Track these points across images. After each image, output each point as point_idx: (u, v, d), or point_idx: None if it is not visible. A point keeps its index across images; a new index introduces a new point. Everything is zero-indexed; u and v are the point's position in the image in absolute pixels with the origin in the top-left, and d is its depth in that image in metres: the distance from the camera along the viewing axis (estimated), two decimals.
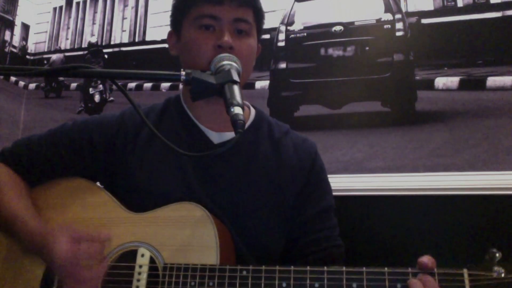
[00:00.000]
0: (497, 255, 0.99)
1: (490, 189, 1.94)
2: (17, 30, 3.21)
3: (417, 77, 2.23)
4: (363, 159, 2.20)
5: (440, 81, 2.21)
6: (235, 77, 1.04)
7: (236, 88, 1.00)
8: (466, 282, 0.98)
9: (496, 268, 0.97)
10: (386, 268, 1.02)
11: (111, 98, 2.93)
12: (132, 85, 2.90)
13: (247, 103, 1.40)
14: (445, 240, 1.93)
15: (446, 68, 2.21)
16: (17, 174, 1.33)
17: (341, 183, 2.14)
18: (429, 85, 2.21)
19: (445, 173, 2.04)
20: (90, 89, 2.98)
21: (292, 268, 1.07)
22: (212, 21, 1.24)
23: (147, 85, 2.88)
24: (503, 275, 0.97)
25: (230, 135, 1.28)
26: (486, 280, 0.97)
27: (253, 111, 1.40)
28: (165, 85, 2.79)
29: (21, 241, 1.22)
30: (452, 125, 2.12)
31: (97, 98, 2.96)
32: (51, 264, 1.13)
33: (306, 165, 1.35)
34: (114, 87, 2.90)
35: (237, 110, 0.95)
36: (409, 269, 1.01)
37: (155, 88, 2.85)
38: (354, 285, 1.02)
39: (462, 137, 2.08)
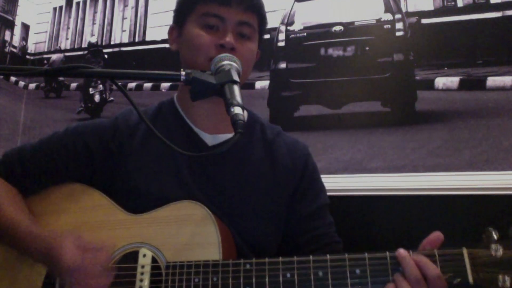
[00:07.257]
0: (494, 233, 1.01)
1: (490, 189, 1.94)
2: (17, 30, 3.21)
3: (417, 77, 2.23)
4: (363, 159, 2.20)
5: (440, 81, 2.21)
6: (235, 77, 1.03)
7: (236, 88, 1.00)
8: (466, 260, 1.00)
9: (493, 245, 0.99)
10: (387, 253, 1.05)
11: (111, 98, 2.93)
12: (132, 85, 2.89)
13: None
14: (444, 240, 1.92)
15: (446, 68, 2.20)
16: (10, 184, 1.30)
17: (341, 183, 2.14)
18: (429, 85, 2.21)
19: (445, 173, 2.04)
20: (90, 89, 2.98)
21: (295, 258, 1.07)
22: (217, 21, 1.24)
23: (147, 85, 2.87)
24: (501, 251, 0.98)
25: (224, 137, 1.29)
26: (486, 257, 0.99)
27: (245, 113, 1.40)
28: (165, 85, 2.79)
29: (24, 249, 1.20)
30: (452, 125, 2.12)
31: (97, 98, 2.96)
32: (58, 272, 1.12)
33: (299, 165, 1.36)
34: (114, 87, 2.89)
35: (237, 110, 0.96)
36: (410, 252, 1.03)
37: (155, 88, 2.84)
38: (357, 271, 1.04)
39: (462, 137, 2.08)
